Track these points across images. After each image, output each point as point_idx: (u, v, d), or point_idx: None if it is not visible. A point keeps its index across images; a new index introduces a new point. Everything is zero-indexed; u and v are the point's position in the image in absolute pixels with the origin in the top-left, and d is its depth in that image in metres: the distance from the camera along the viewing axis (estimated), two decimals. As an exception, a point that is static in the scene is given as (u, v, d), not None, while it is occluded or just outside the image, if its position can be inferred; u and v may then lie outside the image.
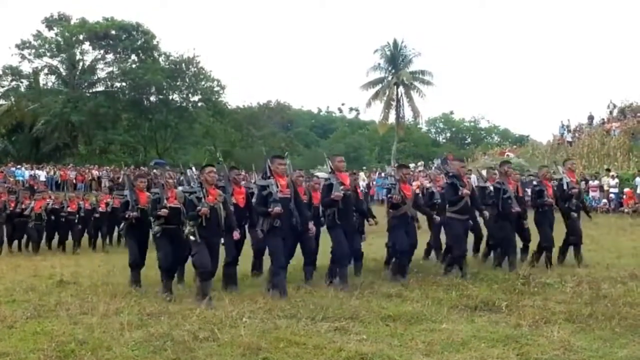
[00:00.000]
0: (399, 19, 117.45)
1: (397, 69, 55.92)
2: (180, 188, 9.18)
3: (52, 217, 18.66)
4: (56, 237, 19.19)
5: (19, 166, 37.44)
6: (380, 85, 56.32)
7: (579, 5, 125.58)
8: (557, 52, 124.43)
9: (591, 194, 25.95)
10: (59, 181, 36.07)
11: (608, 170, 27.76)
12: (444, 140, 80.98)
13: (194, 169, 9.30)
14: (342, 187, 9.63)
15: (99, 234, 19.94)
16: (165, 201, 9.51)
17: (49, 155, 49.18)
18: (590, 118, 40.62)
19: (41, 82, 55.86)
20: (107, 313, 7.86)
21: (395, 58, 56.36)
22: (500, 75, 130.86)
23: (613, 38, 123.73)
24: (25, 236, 18.78)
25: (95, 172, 37.98)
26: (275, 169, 9.12)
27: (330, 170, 10.05)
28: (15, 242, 18.83)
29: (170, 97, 56.48)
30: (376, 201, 34.07)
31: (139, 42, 55.41)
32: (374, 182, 35.38)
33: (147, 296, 9.30)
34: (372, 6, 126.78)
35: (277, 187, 8.92)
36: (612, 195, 26.13)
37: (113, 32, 54.40)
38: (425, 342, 6.16)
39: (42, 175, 36.04)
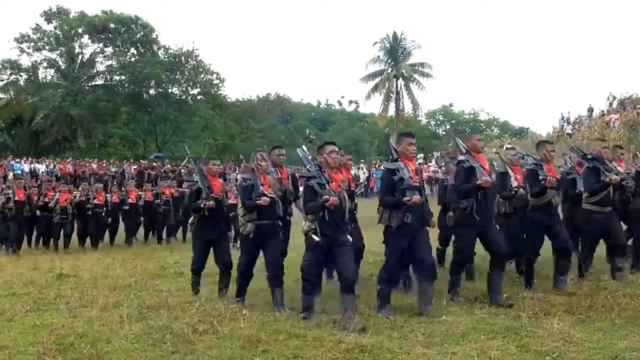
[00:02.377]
0: (399, 12, 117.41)
1: (396, 62, 55.87)
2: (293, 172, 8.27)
3: (76, 211, 17.25)
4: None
5: (18, 160, 37.41)
6: (379, 78, 56.29)
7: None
8: (556, 43, 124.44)
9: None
10: (59, 175, 36.04)
11: (610, 161, 27.68)
12: (443, 133, 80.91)
13: (304, 148, 7.51)
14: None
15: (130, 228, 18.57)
16: (261, 188, 7.76)
17: (49, 149, 49.24)
18: (590, 110, 40.62)
19: (40, 75, 55.79)
20: (107, 306, 7.88)
21: (395, 50, 56.31)
22: (500, 67, 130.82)
23: (613, 30, 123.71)
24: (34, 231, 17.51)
25: (94, 166, 37.95)
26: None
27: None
28: (25, 239, 17.24)
29: (170, 91, 56.42)
30: (376, 194, 34.11)
31: (138, 36, 55.31)
32: (374, 175, 35.40)
33: (146, 289, 9.31)
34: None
35: (409, 171, 7.18)
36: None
37: (112, 25, 54.33)
38: (425, 334, 6.17)
39: (41, 168, 36.01)
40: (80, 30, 54.21)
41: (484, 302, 7.61)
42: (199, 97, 57.43)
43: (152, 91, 56.10)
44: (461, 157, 7.91)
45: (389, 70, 56.29)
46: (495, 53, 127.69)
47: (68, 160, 40.38)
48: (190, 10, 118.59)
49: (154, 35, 56.14)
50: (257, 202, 7.60)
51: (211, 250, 8.83)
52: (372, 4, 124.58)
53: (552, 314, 6.79)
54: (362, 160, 43.43)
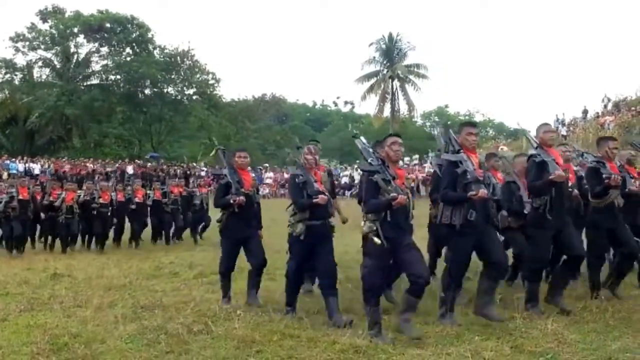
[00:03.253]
0: (395, 13, 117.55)
1: (392, 63, 56.03)
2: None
3: (81, 211, 16.10)
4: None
5: (12, 159, 37.36)
6: (375, 79, 56.45)
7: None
8: (551, 45, 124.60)
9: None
10: (53, 174, 36.00)
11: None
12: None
13: (363, 139, 6.73)
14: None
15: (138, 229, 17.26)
16: (315, 185, 7.08)
17: (44, 149, 49.25)
18: (585, 112, 40.66)
19: (35, 74, 55.77)
20: (101, 306, 7.87)
21: (391, 51, 56.47)
22: (495, 69, 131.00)
23: (608, 32, 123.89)
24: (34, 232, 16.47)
25: (90, 165, 37.91)
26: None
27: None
28: (29, 240, 16.20)
29: (165, 90, 56.51)
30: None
31: (134, 35, 55.32)
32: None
33: (140, 289, 9.29)
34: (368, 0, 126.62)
35: (472, 163, 6.52)
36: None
37: (108, 24, 54.31)
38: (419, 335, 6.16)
39: (36, 168, 35.97)
40: (75, 30, 54.22)
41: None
42: (194, 97, 57.45)
43: (147, 91, 56.18)
44: (532, 152, 7.30)
45: (385, 71, 56.44)
46: (490, 55, 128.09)
47: (64, 159, 40.33)
48: (185, 11, 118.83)
49: (149, 35, 56.21)
50: (314, 200, 6.87)
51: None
52: (368, 5, 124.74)
53: (546, 315, 6.80)
54: (357, 161, 43.40)
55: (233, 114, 58.61)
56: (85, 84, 55.73)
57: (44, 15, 54.28)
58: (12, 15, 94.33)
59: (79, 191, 17.11)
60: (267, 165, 45.45)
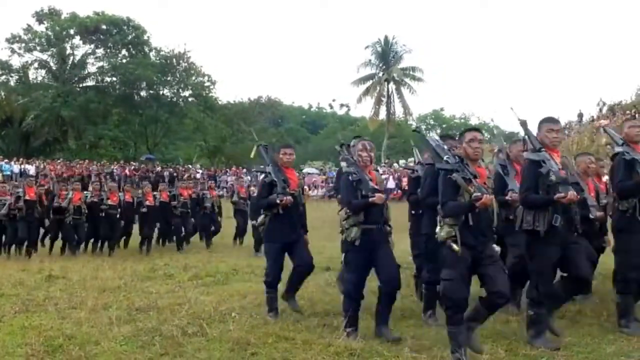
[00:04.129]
0: (390, 16, 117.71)
1: (387, 66, 56.17)
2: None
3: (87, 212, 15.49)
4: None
5: (7, 160, 37.30)
6: (370, 82, 56.60)
7: (569, 2, 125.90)
8: (547, 49, 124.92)
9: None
10: (59, 176, 35.89)
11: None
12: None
13: (434, 134, 6.05)
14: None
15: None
16: (371, 183, 6.29)
17: (39, 150, 49.25)
18: (580, 116, 40.85)
19: (31, 76, 55.78)
20: (96, 308, 7.84)
21: (386, 54, 56.62)
22: (491, 72, 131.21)
23: (603, 35, 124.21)
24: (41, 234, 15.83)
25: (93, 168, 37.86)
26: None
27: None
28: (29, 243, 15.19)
29: (161, 92, 56.47)
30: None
31: (130, 37, 55.34)
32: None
33: (135, 291, 9.27)
34: (364, 2, 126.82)
35: (556, 163, 5.86)
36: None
37: (104, 26, 54.41)
38: (415, 338, 6.16)
39: (31, 169, 35.90)
40: (71, 31, 54.23)
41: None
42: (190, 99, 57.50)
43: (143, 93, 56.16)
44: (618, 149, 6.56)
45: (380, 74, 56.59)
46: (486, 58, 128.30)
47: (59, 161, 40.28)
48: (181, 13, 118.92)
49: (145, 37, 56.29)
50: (371, 199, 6.08)
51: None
52: (364, 7, 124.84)
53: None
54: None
55: (228, 117, 58.56)
56: (81, 85, 55.72)
57: (40, 16, 54.29)
58: (8, 17, 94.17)
59: (85, 192, 16.55)
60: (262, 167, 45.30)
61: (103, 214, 15.52)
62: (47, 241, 16.10)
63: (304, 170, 44.37)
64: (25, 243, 15.09)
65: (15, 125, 50.35)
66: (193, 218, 17.42)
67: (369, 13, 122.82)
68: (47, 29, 53.97)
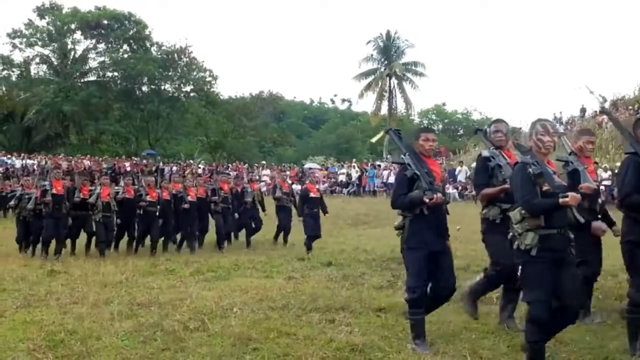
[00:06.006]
0: (392, 10, 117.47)
1: (389, 61, 56.08)
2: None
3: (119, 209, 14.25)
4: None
5: (9, 155, 37.33)
6: (372, 77, 56.47)
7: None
8: (549, 43, 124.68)
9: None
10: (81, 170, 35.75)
11: (596, 163, 27.74)
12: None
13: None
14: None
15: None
16: (556, 178, 5.01)
17: (41, 145, 49.21)
18: (583, 110, 40.63)
19: (32, 71, 55.86)
20: (97, 303, 7.84)
21: (388, 49, 56.51)
22: (493, 67, 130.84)
23: (606, 30, 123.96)
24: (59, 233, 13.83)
25: (87, 162, 37.81)
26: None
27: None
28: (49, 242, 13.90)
29: (162, 87, 56.53)
30: (368, 192, 34.16)
31: (131, 32, 55.36)
32: (367, 174, 35.43)
33: (137, 286, 9.27)
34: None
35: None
36: (602, 188, 26.17)
37: (105, 21, 54.43)
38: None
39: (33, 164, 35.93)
40: (73, 26, 54.26)
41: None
42: (191, 94, 57.51)
43: (144, 88, 56.20)
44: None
45: (382, 69, 56.47)
46: (488, 53, 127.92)
47: (60, 156, 40.29)
48: (183, 8, 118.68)
49: (147, 32, 56.25)
50: (561, 199, 4.71)
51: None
52: (366, 2, 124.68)
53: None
54: (354, 159, 43.41)
55: (230, 112, 58.50)
56: (82, 80, 55.67)
57: (41, 11, 54.33)
58: (10, 12, 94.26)
59: (116, 187, 15.31)
60: (264, 162, 45.36)
61: (141, 211, 14.32)
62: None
63: (305, 166, 44.27)
64: (53, 241, 13.84)
65: (17, 120, 50.46)
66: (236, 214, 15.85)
67: (371, 8, 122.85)
68: (48, 23, 54.10)
